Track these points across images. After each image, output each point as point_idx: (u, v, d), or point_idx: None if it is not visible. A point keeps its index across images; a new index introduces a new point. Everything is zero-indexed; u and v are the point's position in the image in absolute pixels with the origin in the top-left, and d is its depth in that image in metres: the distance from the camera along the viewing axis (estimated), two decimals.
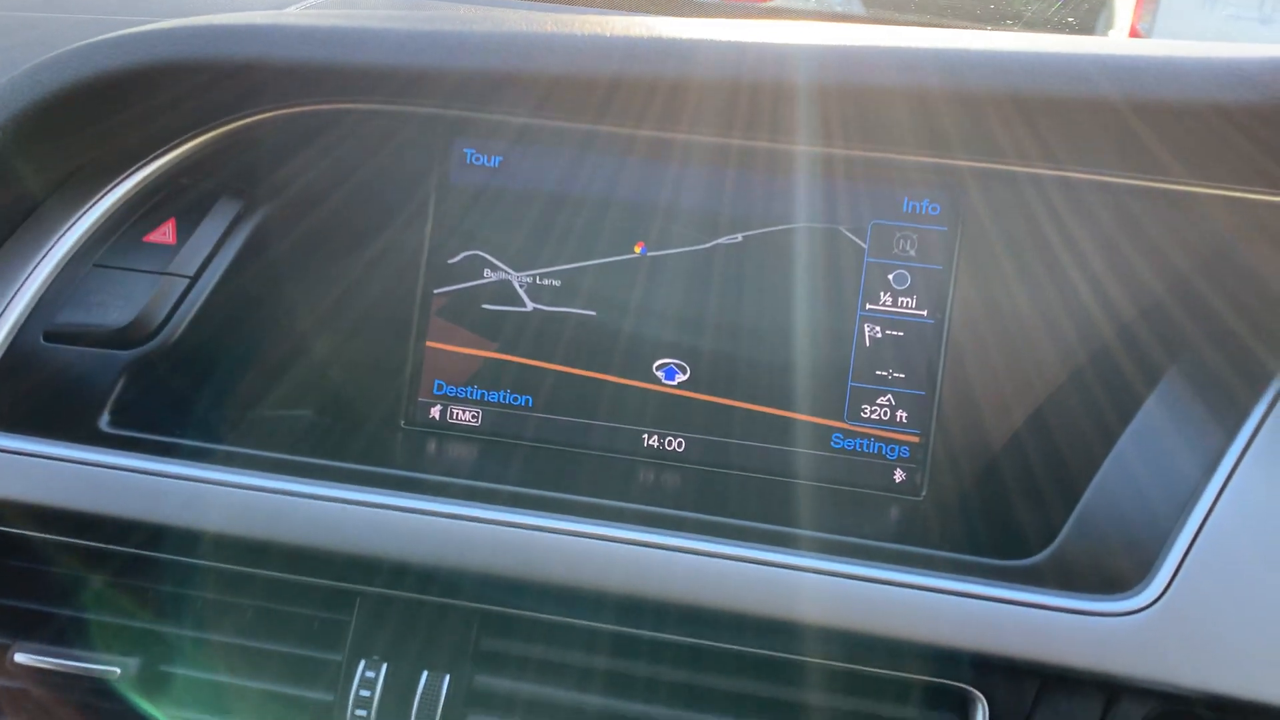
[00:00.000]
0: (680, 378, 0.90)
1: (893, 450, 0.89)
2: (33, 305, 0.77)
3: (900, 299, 0.88)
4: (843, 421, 0.89)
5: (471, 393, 0.92)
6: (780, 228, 0.89)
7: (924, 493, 0.87)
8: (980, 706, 0.68)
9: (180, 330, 0.79)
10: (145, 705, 0.73)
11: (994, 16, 1.49)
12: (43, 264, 0.78)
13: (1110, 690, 0.66)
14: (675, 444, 0.90)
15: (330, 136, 0.86)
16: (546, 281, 0.91)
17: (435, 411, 0.92)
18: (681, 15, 0.93)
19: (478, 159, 0.91)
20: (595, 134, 0.87)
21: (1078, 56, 0.72)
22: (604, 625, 0.70)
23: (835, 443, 0.89)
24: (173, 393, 0.79)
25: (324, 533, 0.70)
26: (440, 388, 0.92)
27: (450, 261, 0.91)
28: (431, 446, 0.89)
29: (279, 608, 0.73)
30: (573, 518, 0.71)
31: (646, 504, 0.74)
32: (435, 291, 0.91)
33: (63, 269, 0.78)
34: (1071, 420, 0.81)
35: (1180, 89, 0.70)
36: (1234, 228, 0.79)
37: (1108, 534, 0.71)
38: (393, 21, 0.81)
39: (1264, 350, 0.73)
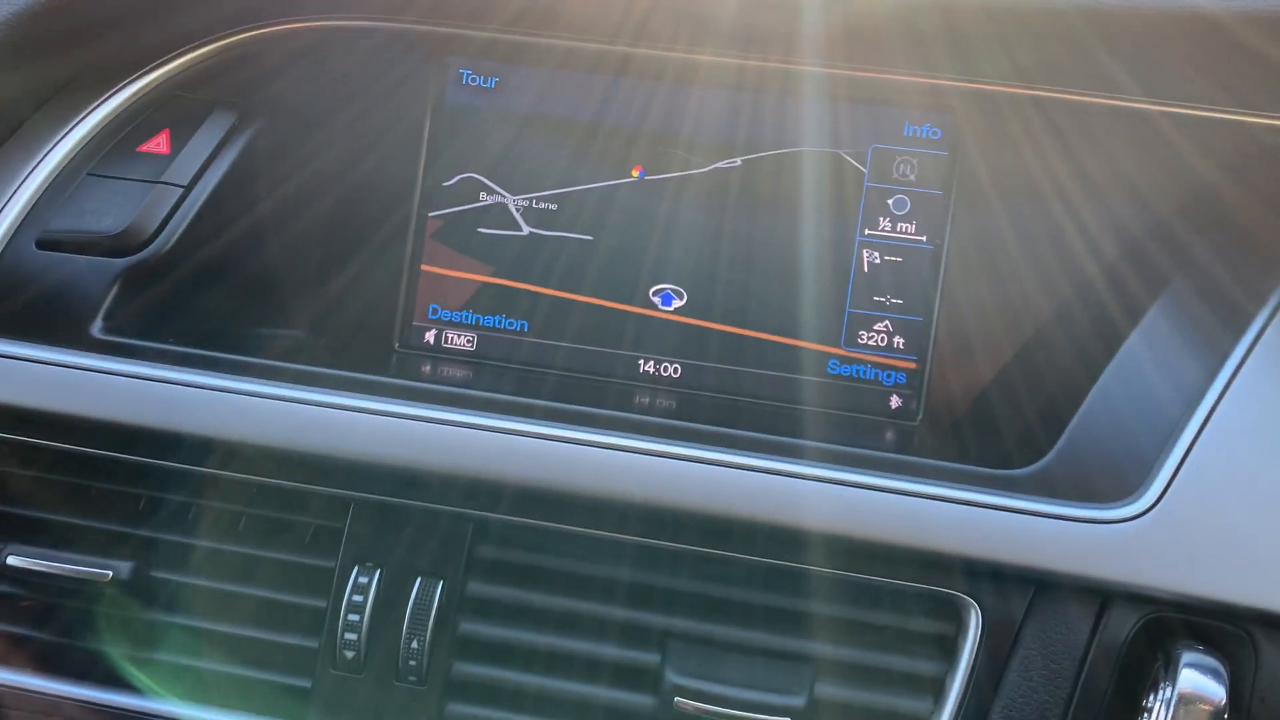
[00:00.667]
0: (677, 303, 0.90)
1: (889, 376, 0.88)
2: (26, 212, 0.77)
3: (899, 224, 0.88)
4: (840, 348, 0.89)
5: (466, 317, 0.91)
6: (780, 151, 0.88)
7: (919, 418, 0.87)
8: (973, 614, 0.68)
9: (174, 240, 0.78)
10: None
11: None
12: (36, 172, 0.78)
13: (1103, 597, 0.66)
14: (671, 370, 0.90)
15: (325, 54, 0.85)
16: (542, 205, 0.90)
17: (430, 335, 0.91)
18: None
19: (474, 79, 0.90)
20: (593, 55, 0.86)
21: None
22: (599, 532, 0.69)
23: (832, 369, 0.89)
24: (165, 302, 0.79)
25: (318, 437, 0.70)
26: (435, 311, 0.91)
27: (445, 184, 0.91)
28: (425, 369, 0.88)
29: (273, 514, 0.73)
30: (566, 424, 0.70)
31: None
32: (430, 214, 0.91)
33: (56, 177, 0.78)
34: (1068, 343, 0.81)
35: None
36: (1237, 150, 0.78)
37: (1104, 444, 0.71)
38: None
39: (1265, 263, 0.73)
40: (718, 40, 0.81)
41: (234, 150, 0.82)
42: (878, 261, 0.88)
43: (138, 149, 0.80)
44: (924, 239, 0.88)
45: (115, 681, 0.73)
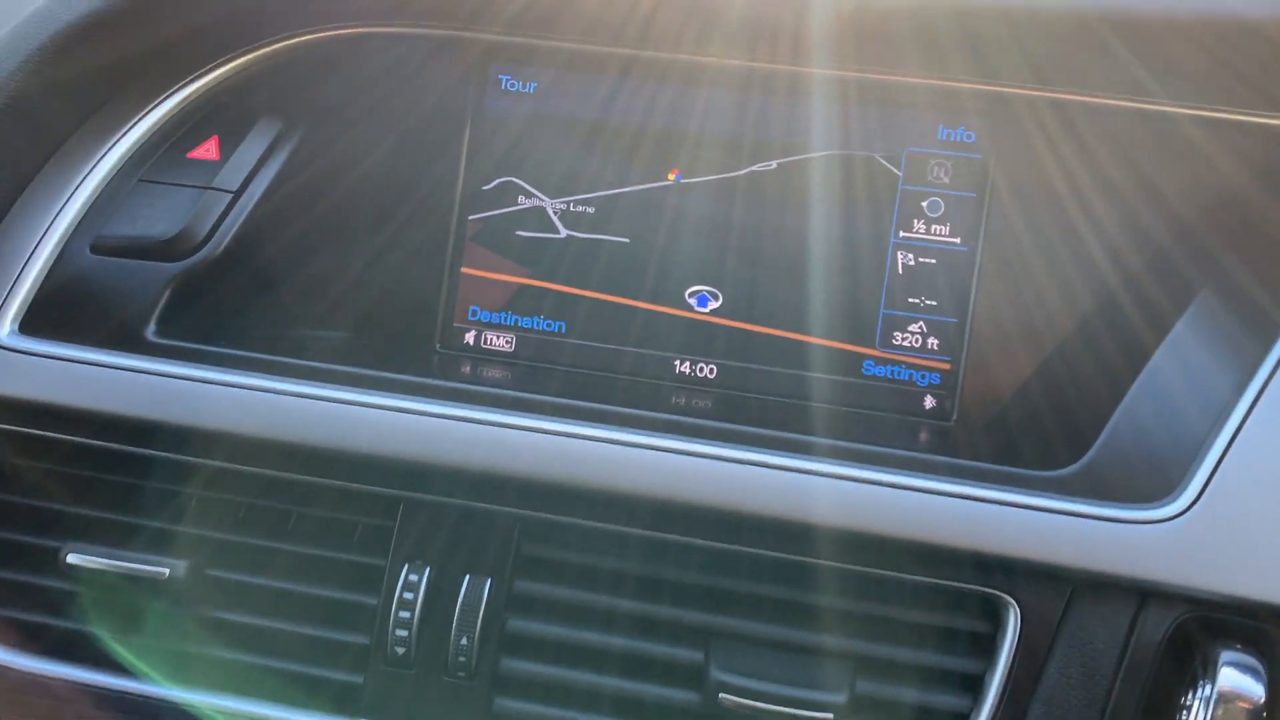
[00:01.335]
0: (713, 305, 0.91)
1: (924, 377, 0.89)
2: (80, 218, 0.79)
3: (934, 226, 0.89)
4: (874, 348, 0.90)
5: (506, 318, 0.93)
6: (815, 155, 0.89)
7: (954, 418, 0.88)
8: (1012, 612, 0.69)
9: (224, 244, 0.80)
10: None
11: None
12: (89, 178, 0.79)
13: (1141, 596, 0.67)
14: (707, 370, 0.91)
15: (368, 60, 0.86)
16: (580, 208, 0.91)
17: (470, 337, 0.93)
18: None
19: (513, 85, 0.91)
20: (632, 60, 0.88)
21: None
22: (645, 531, 0.71)
23: (867, 369, 0.90)
24: (217, 306, 0.81)
25: (370, 438, 0.71)
26: (475, 313, 0.93)
27: (485, 188, 0.92)
28: (466, 370, 0.90)
29: (324, 514, 0.75)
30: (612, 426, 0.72)
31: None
32: (470, 217, 0.92)
33: (108, 183, 0.80)
34: (1103, 344, 0.82)
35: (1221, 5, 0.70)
36: (1268, 154, 0.79)
37: (1140, 446, 0.72)
38: None
39: None
40: (750, 46, 0.82)
41: (281, 156, 0.83)
42: (912, 263, 0.89)
43: (188, 155, 0.81)
44: (958, 241, 0.89)
45: (171, 678, 0.75)
